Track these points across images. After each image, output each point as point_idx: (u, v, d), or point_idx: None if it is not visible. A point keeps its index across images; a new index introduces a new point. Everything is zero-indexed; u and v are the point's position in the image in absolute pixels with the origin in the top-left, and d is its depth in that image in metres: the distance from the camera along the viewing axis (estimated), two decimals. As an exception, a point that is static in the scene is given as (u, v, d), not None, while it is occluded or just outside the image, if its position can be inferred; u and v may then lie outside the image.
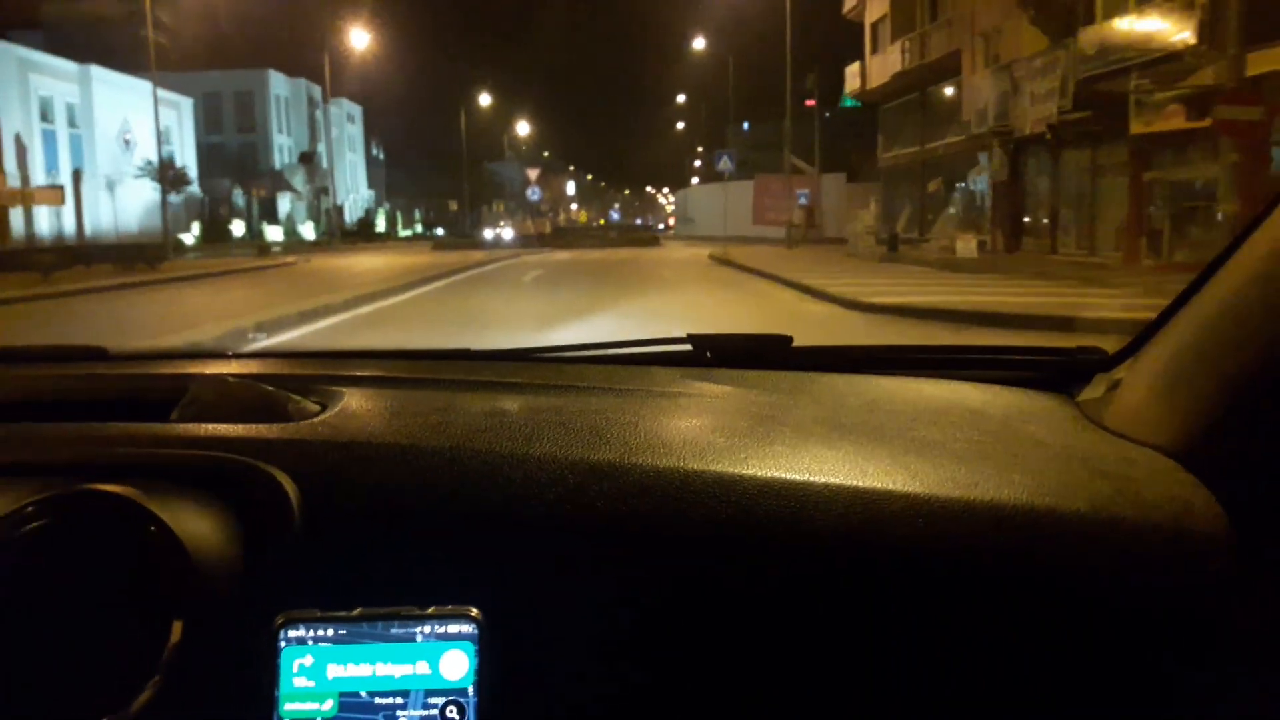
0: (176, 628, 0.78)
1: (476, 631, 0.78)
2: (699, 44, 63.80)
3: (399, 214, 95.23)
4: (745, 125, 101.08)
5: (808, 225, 52.33)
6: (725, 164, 28.02)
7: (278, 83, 77.61)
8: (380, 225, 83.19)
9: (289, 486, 0.90)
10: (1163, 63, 17.90)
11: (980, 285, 15.69)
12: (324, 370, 1.32)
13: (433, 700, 0.77)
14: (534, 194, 36.15)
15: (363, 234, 71.73)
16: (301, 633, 0.78)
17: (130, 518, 0.82)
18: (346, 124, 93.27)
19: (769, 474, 0.92)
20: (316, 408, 1.13)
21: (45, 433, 1.02)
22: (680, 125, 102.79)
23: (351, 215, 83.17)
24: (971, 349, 1.44)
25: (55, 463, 0.94)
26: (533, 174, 36.76)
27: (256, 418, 1.07)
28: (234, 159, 73.34)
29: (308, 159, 72.70)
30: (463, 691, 0.77)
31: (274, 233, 62.90)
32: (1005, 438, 1.05)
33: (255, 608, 0.82)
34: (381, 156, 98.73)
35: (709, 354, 1.40)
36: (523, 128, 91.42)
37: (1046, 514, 0.86)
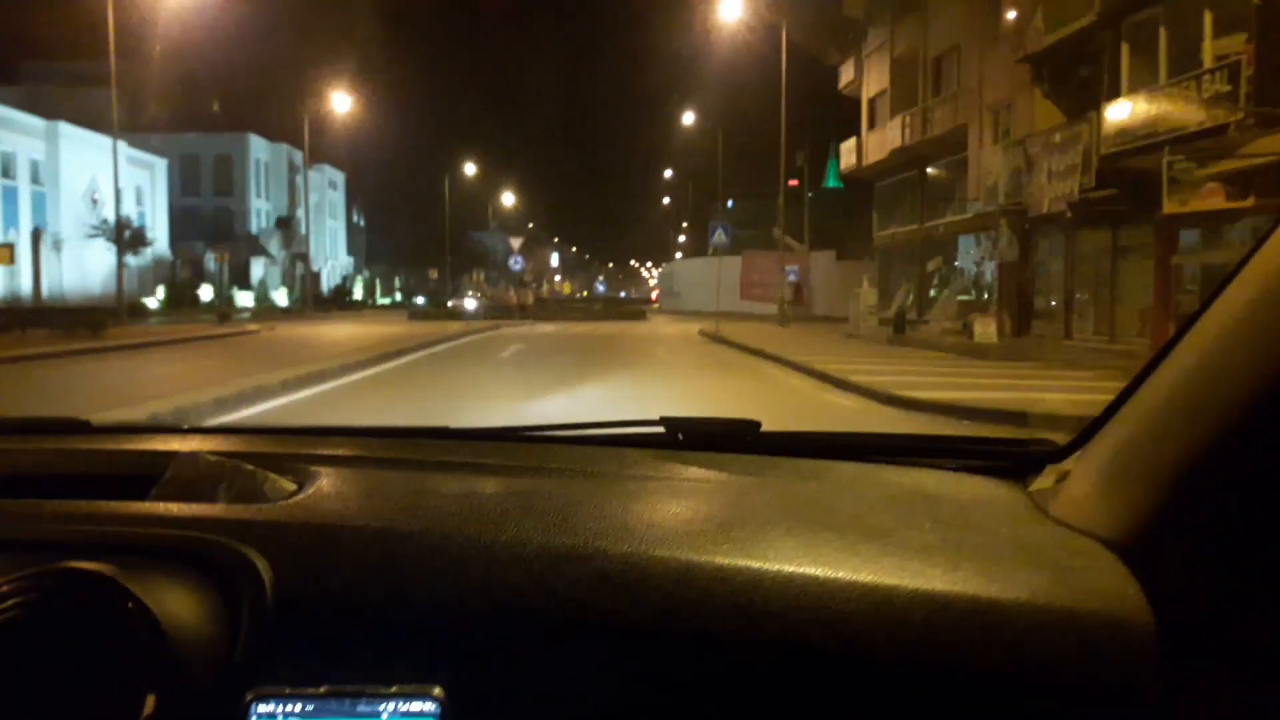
0: (150, 702, 0.80)
1: (439, 709, 0.80)
2: (688, 119, 63.17)
3: (378, 281, 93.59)
4: (730, 203, 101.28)
5: (796, 302, 51.10)
6: (719, 237, 26.28)
7: (258, 147, 76.40)
8: (358, 292, 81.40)
9: (263, 567, 0.92)
10: (1201, 138, 16.37)
11: (1020, 376, 13.88)
12: (302, 448, 1.33)
13: None
14: (516, 263, 34.48)
15: (338, 301, 69.90)
16: (271, 708, 0.79)
17: (108, 595, 0.84)
18: (328, 190, 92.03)
19: (726, 561, 0.93)
20: (292, 487, 1.16)
21: (25, 509, 1.02)
22: (666, 200, 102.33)
23: (330, 281, 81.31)
24: (932, 438, 1.59)
25: (35, 539, 0.95)
26: (515, 243, 35.07)
27: (234, 496, 1.12)
28: (209, 222, 71.72)
29: (284, 224, 71.11)
30: None
31: (244, 298, 60.90)
32: (957, 526, 1.08)
33: (227, 683, 0.84)
34: (362, 223, 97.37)
35: (680, 436, 1.42)
36: (508, 198, 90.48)
37: (989, 605, 0.88)
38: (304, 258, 63.71)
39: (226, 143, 74.09)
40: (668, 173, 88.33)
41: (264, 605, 0.90)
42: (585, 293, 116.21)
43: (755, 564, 0.93)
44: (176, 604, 0.87)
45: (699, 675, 0.87)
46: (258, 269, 71.10)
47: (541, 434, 1.49)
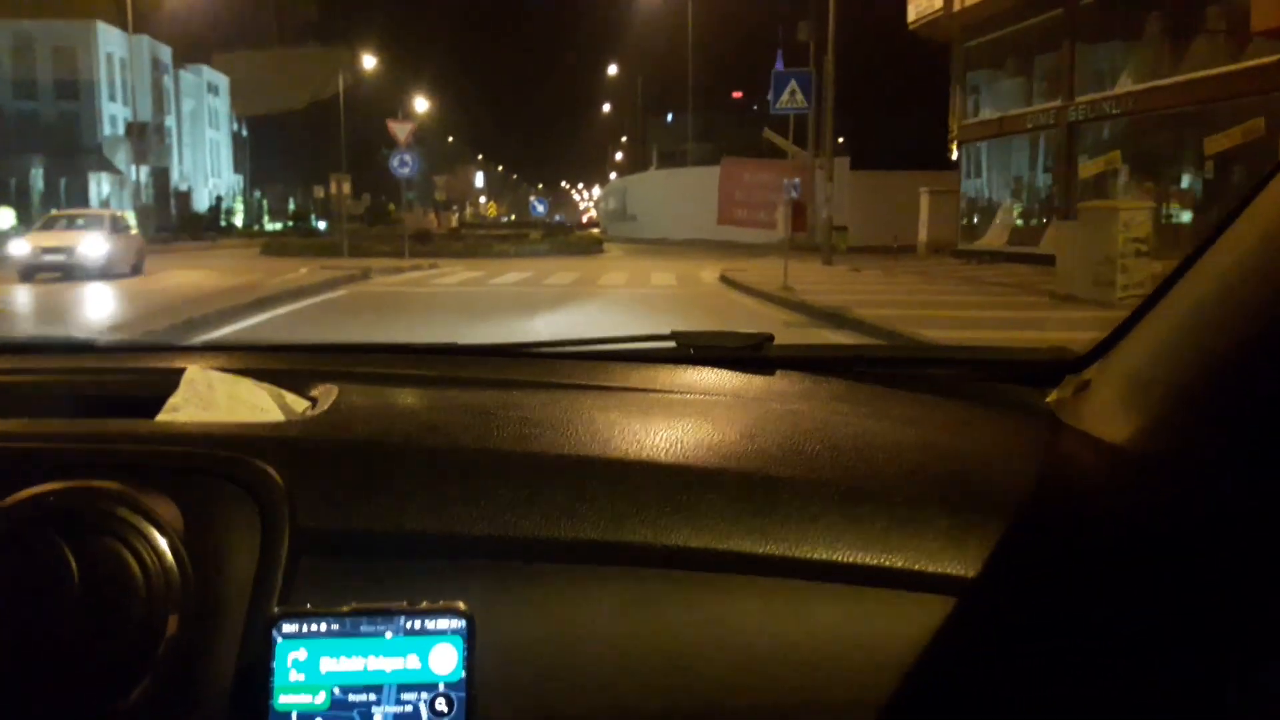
0: (172, 621, 0.79)
1: (466, 626, 0.78)
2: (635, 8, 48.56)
3: (265, 203, 77.74)
4: (669, 117, 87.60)
5: (796, 227, 37.61)
6: (795, 94, 12.52)
7: (110, 38, 59.62)
8: (240, 216, 65.70)
9: (282, 483, 0.88)
10: None
11: None
12: (313, 365, 1.30)
13: (423, 693, 0.77)
14: (404, 165, 20.50)
15: (212, 226, 54.42)
16: (295, 628, 0.77)
17: (125, 512, 0.81)
18: (207, 95, 75.26)
19: (749, 472, 0.92)
20: (307, 404, 1.12)
21: (32, 428, 0.99)
22: (607, 108, 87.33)
23: (207, 203, 65.43)
24: (949, 348, 1.53)
25: (45, 458, 0.90)
26: (401, 131, 21.02)
27: (247, 413, 1.08)
28: (53, 130, 55.58)
29: (137, 132, 55.05)
30: (452, 684, 0.78)
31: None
32: (972, 436, 1.08)
33: (250, 603, 0.82)
34: (246, 135, 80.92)
35: (692, 351, 1.39)
36: (421, 105, 74.59)
37: (1008, 513, 0.86)
38: (163, 174, 48.68)
39: (68, 31, 57.21)
40: (611, 69, 73.26)
41: (285, 523, 0.86)
42: (512, 216, 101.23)
43: (773, 473, 0.91)
44: (194, 522, 0.85)
45: (722, 594, 0.84)
46: (101, 187, 55.03)
47: (552, 350, 1.42)
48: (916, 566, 0.83)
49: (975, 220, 24.23)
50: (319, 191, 53.58)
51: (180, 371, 1.15)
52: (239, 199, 70.64)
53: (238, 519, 0.87)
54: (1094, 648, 0.79)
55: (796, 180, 36.39)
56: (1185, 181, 17.69)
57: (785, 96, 13.16)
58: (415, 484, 0.91)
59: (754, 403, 1.20)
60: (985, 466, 0.96)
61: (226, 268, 20.84)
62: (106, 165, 55.81)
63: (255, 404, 1.10)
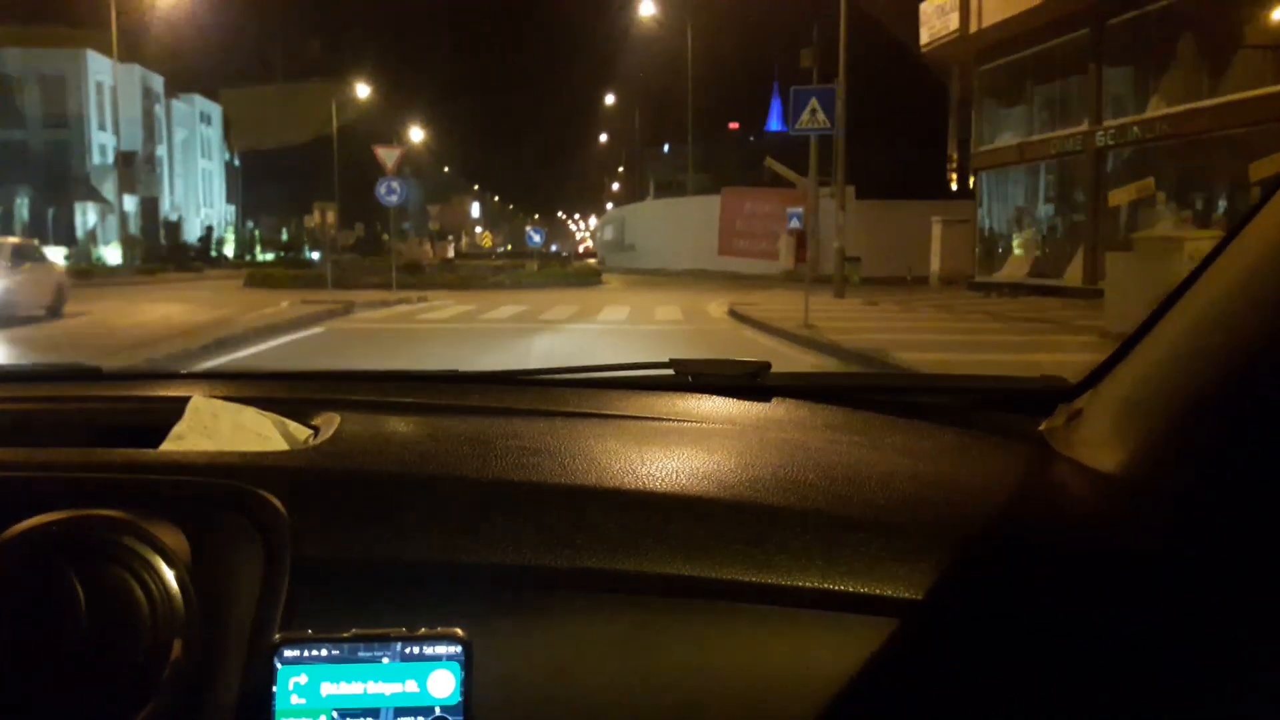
0: (177, 646, 0.81)
1: (463, 652, 0.79)
2: (637, 25, 47.69)
3: (257, 233, 76.63)
4: (665, 147, 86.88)
5: (799, 258, 36.48)
6: (815, 117, 11.24)
7: (100, 67, 58.63)
8: (230, 246, 64.47)
9: (286, 512, 0.90)
10: None
11: None
12: (316, 393, 1.31)
13: (421, 717, 0.79)
14: (392, 193, 19.13)
15: (202, 257, 53.17)
16: (297, 653, 0.79)
17: (130, 541, 0.83)
18: (199, 125, 74.31)
19: (742, 500, 0.92)
20: (309, 433, 1.14)
21: (38, 457, 0.99)
22: (604, 138, 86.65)
23: (199, 233, 64.19)
24: (944, 377, 1.60)
25: (52, 488, 0.92)
26: (389, 157, 19.67)
27: (251, 441, 1.09)
28: (41, 160, 54.36)
29: (127, 161, 53.88)
30: (450, 708, 0.79)
31: (54, 255, 43.89)
32: (965, 465, 1.07)
33: (253, 629, 0.84)
34: (239, 165, 79.92)
35: (690, 379, 1.39)
36: (416, 136, 73.70)
37: (996, 541, 0.87)
38: (152, 204, 47.48)
39: (57, 60, 56.23)
40: (608, 99, 72.44)
41: (287, 551, 0.87)
42: (508, 246, 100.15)
43: (768, 502, 0.91)
44: (198, 550, 0.86)
45: (721, 619, 0.85)
46: (87, 218, 53.82)
47: (551, 377, 1.44)
48: (906, 595, 0.83)
49: (992, 251, 23.06)
50: (310, 222, 52.59)
51: (184, 399, 1.15)
52: (230, 229, 69.34)
53: (242, 547, 0.88)
54: (1079, 672, 0.79)
55: (799, 210, 35.48)
56: (1227, 209, 16.51)
57: (805, 116, 11.75)
58: (416, 513, 0.92)
59: (751, 431, 1.20)
60: (977, 496, 0.96)
61: (202, 301, 19.56)
62: (94, 195, 54.63)
63: (259, 433, 1.10)
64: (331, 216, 23.13)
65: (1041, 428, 1.16)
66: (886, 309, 17.00)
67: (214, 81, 75.00)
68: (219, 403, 1.15)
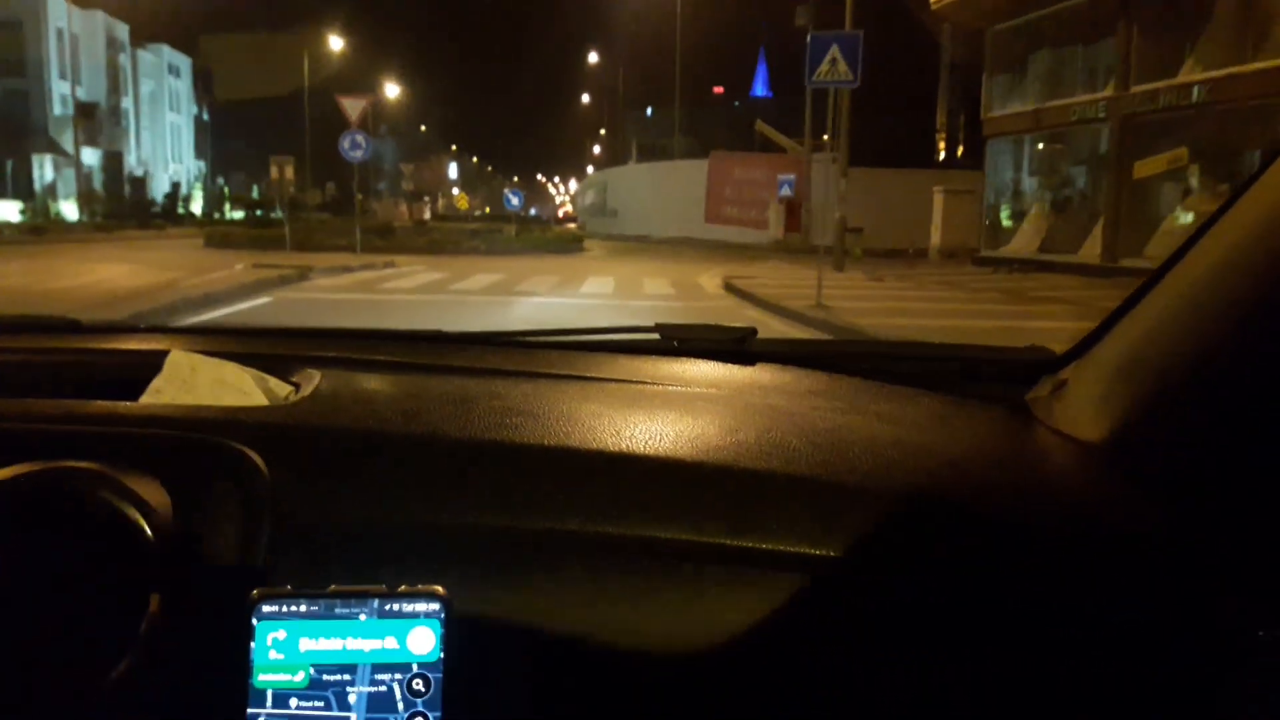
0: (153, 600, 0.80)
1: (443, 609, 0.79)
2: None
3: (227, 190, 74.16)
4: (649, 110, 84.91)
5: (790, 227, 34.91)
6: (837, 63, 9.67)
7: (59, 12, 55.88)
8: (198, 203, 62.07)
9: (263, 467, 0.89)
10: None
11: None
12: (298, 349, 1.28)
13: (399, 673, 0.78)
14: (356, 148, 17.36)
15: (168, 214, 50.93)
16: (275, 608, 0.78)
17: (105, 493, 0.82)
18: (167, 76, 71.57)
19: (724, 466, 0.91)
20: (290, 389, 1.12)
21: (14, 408, 0.98)
22: (585, 99, 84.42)
23: (166, 190, 61.79)
24: (929, 345, 1.50)
25: (25, 439, 0.91)
26: (353, 108, 17.72)
27: (231, 396, 1.07)
28: (-3, 110, 51.76)
29: (87, 113, 51.42)
30: (429, 665, 0.79)
31: (8, 210, 41.67)
32: (947, 433, 1.07)
33: (230, 583, 0.82)
34: (208, 119, 77.23)
35: (676, 344, 1.38)
36: (392, 90, 71.16)
37: (977, 508, 0.86)
38: (116, 158, 45.20)
39: (14, 5, 53.42)
40: (590, 58, 70.14)
41: (264, 506, 0.87)
42: (487, 209, 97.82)
43: (750, 467, 0.91)
44: (176, 503, 0.85)
45: (698, 583, 0.84)
46: (44, 171, 51.44)
47: (537, 339, 1.44)
48: (886, 560, 0.84)
49: (999, 224, 21.66)
50: (274, 175, 50.50)
51: (164, 354, 1.13)
52: (198, 185, 66.86)
53: (220, 502, 0.87)
54: (1068, 639, 0.79)
55: (791, 176, 33.88)
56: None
57: (824, 67, 10.08)
58: (397, 472, 0.91)
59: (736, 396, 1.19)
60: (959, 463, 0.96)
61: (150, 262, 17.81)
62: (53, 147, 52.21)
63: (238, 388, 1.09)
64: (290, 172, 21.29)
65: (1027, 397, 1.15)
66: (894, 285, 15.60)
67: (184, 32, 72.30)
68: (198, 357, 1.13)
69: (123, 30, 62.62)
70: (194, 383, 1.08)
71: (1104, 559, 0.81)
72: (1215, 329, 0.85)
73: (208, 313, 10.69)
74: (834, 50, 10.29)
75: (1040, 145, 20.98)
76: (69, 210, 46.46)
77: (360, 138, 17.97)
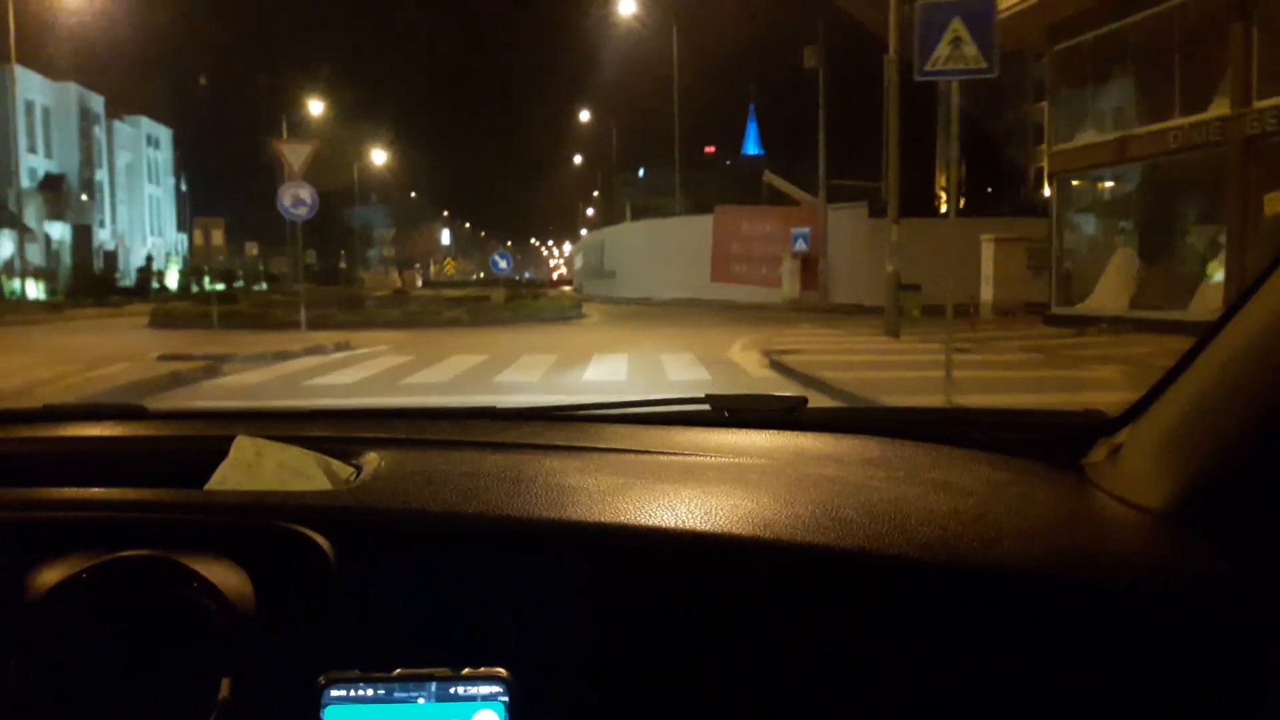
0: (224, 685, 0.81)
1: (506, 691, 0.79)
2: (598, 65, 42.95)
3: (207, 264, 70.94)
4: (641, 172, 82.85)
5: (806, 285, 31.50)
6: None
7: (31, 84, 53.15)
8: (173, 277, 58.65)
9: (328, 550, 0.90)
10: None
11: None
12: (356, 431, 1.30)
13: None
14: (300, 204, 13.61)
15: (140, 289, 47.52)
16: (343, 693, 0.79)
17: (176, 581, 0.84)
18: (146, 148, 68.89)
19: (782, 539, 0.90)
20: (351, 471, 1.13)
21: (88, 497, 1.00)
22: (578, 160, 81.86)
23: (156, 264, 58.44)
24: (982, 412, 1.52)
25: (98, 528, 0.92)
26: (295, 155, 13.93)
27: (295, 481, 1.09)
28: (-35, 186, 48.58)
29: (54, 185, 48.27)
30: None
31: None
32: (1004, 502, 1.04)
33: (298, 667, 0.83)
34: (185, 189, 74.36)
35: (726, 414, 1.37)
36: (379, 157, 68.29)
37: (1041, 579, 0.84)
38: (85, 231, 41.92)
39: (-18, 78, 50.62)
40: (582, 117, 67.32)
41: (331, 589, 0.87)
42: (480, 275, 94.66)
43: (811, 541, 0.89)
44: (245, 589, 0.86)
45: (761, 649, 0.85)
46: (3, 246, 48.08)
47: (589, 413, 1.42)
48: (950, 636, 0.83)
49: (1072, 276, 18.20)
50: (251, 249, 47.11)
51: (229, 439, 1.14)
52: (172, 258, 63.50)
53: (287, 585, 0.88)
54: (1139, 708, 0.78)
55: (806, 230, 30.35)
56: None
57: (943, 50, 6.65)
58: (458, 551, 0.92)
59: (788, 466, 1.16)
60: (1018, 533, 0.92)
61: (67, 349, 14.29)
62: (15, 222, 48.95)
63: (302, 472, 1.10)
64: (218, 237, 17.77)
65: (1084, 462, 1.12)
66: (986, 357, 12.04)
67: (165, 103, 69.82)
68: (263, 441, 1.14)
69: (97, 102, 60.06)
70: (259, 467, 1.08)
71: (1170, 629, 0.79)
72: (1268, 387, 0.82)
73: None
74: (956, 26, 6.80)
75: (1123, 181, 17.60)
76: (32, 288, 42.96)
77: (305, 192, 14.37)
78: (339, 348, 14.06)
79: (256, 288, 50.95)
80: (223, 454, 1.11)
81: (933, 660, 0.82)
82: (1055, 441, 1.19)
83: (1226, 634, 0.78)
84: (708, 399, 1.37)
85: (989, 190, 41.63)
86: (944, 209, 31.32)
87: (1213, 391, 0.91)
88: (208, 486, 1.07)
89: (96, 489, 1.02)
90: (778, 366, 11.22)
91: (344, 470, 1.12)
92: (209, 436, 1.25)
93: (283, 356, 12.74)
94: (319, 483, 1.08)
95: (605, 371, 11.58)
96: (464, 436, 1.28)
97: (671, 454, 1.19)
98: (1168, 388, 1.00)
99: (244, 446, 1.12)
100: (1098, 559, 0.87)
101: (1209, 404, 0.90)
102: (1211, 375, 0.92)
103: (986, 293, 20.69)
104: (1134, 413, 1.07)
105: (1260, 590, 0.79)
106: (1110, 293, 16.98)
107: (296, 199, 14.41)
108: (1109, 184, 17.96)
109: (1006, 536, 0.90)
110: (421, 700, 0.78)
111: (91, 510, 0.97)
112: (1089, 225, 18.75)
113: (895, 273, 15.48)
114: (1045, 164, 18.49)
